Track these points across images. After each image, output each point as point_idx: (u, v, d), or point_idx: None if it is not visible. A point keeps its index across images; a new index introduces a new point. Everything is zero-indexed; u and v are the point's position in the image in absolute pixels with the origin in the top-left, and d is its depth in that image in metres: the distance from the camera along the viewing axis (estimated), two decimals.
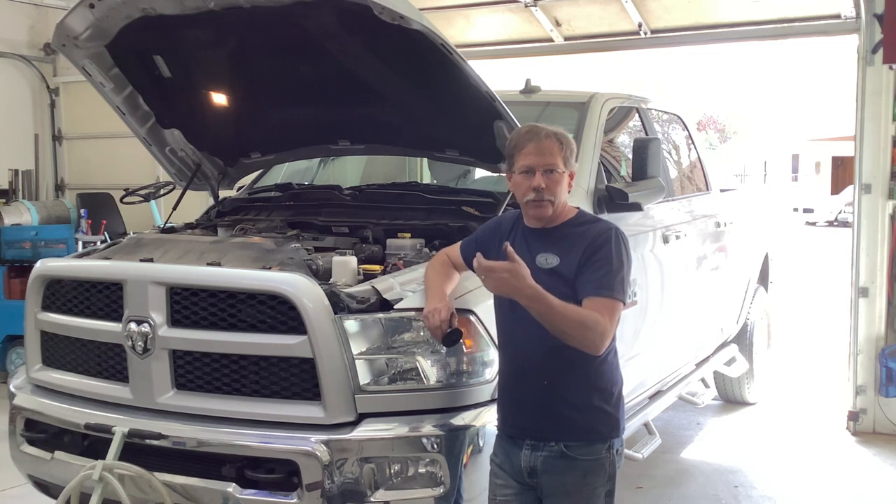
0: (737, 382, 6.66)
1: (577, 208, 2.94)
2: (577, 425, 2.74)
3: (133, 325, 3.27)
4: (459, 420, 3.10)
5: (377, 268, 3.47)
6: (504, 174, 4.03)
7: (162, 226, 4.51)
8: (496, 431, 2.94)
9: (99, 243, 6.85)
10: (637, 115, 5.14)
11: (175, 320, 3.26)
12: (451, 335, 2.89)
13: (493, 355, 3.14)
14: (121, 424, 3.27)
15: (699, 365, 5.65)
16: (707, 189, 5.90)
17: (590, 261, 2.70)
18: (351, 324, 3.09)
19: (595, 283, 2.66)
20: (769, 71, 44.34)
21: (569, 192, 2.87)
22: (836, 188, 31.76)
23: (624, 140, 5.08)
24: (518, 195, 2.85)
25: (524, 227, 2.89)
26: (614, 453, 2.79)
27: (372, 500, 3.06)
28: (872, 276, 6.05)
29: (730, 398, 6.82)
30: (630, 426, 4.44)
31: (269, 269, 3.30)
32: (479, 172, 4.84)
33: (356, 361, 3.07)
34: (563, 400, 2.74)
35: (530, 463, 2.77)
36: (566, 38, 7.49)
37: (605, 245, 2.72)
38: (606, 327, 2.62)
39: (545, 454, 2.75)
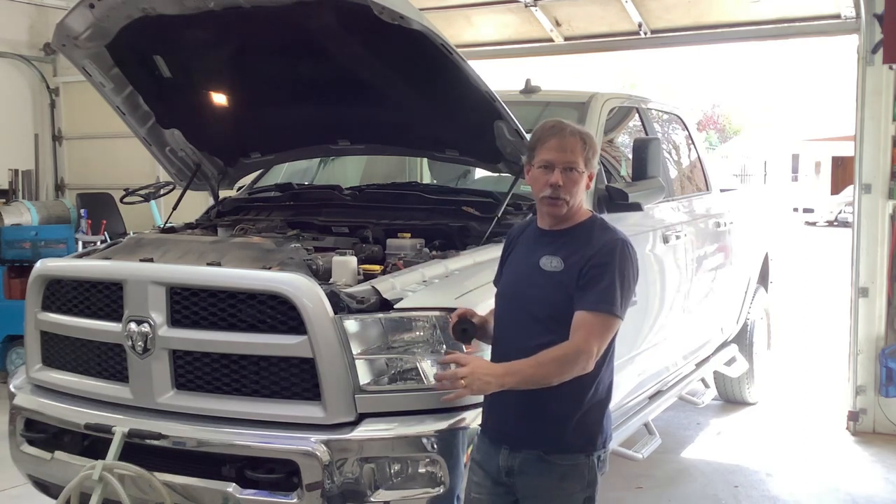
0: (737, 382, 6.66)
1: (591, 212, 2.88)
2: (553, 436, 2.70)
3: (133, 325, 3.27)
4: (459, 420, 3.10)
5: (377, 268, 3.48)
6: (505, 173, 4.11)
7: (162, 226, 4.51)
8: (479, 429, 2.91)
9: (99, 243, 6.84)
10: (637, 115, 5.14)
11: (175, 320, 3.26)
12: (457, 326, 2.89)
13: None
14: (121, 424, 3.27)
15: (699, 365, 5.65)
16: (707, 189, 5.90)
17: (591, 272, 2.64)
18: (351, 324, 3.09)
19: (592, 298, 2.61)
20: (769, 71, 44.42)
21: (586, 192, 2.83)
22: (836, 188, 31.72)
23: (624, 140, 5.08)
24: (534, 190, 2.79)
25: (535, 228, 2.85)
26: (595, 460, 2.73)
27: (372, 500, 3.06)
28: (872, 276, 6.05)
29: (730, 398, 6.82)
30: (630, 426, 4.45)
31: (269, 269, 3.30)
32: (479, 172, 4.83)
33: (356, 361, 3.07)
34: (544, 409, 2.69)
35: (508, 463, 2.75)
36: (566, 38, 7.48)
37: (610, 258, 2.66)
38: (589, 351, 2.58)
39: (523, 456, 2.73)
